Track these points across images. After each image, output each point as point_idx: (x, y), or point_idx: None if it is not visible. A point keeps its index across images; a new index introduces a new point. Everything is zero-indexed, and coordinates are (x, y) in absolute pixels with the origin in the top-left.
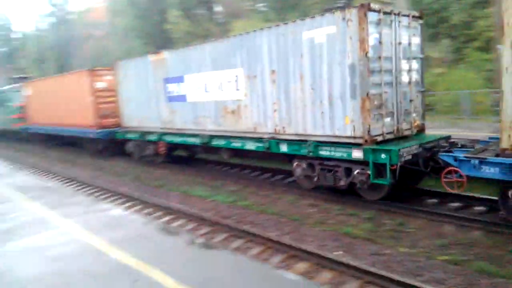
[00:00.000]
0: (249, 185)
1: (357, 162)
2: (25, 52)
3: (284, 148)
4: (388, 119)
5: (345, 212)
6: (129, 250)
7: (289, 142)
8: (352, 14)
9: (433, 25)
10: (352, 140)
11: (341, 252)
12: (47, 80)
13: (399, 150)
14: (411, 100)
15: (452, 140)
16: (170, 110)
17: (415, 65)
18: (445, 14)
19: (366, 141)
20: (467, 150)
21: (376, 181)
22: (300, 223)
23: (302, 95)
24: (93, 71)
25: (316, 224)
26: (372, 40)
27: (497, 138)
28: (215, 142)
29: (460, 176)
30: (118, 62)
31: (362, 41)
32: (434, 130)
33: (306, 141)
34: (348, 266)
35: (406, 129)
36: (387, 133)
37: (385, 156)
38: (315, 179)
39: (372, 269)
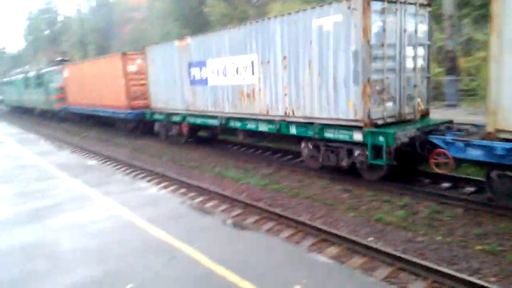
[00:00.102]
0: (281, 169)
1: (357, 143)
2: (67, 35)
3: (293, 130)
4: (390, 104)
5: (378, 198)
6: (166, 228)
7: (298, 124)
8: (357, 3)
9: (481, 6)
10: (353, 123)
11: (372, 238)
12: (83, 63)
13: (395, 133)
14: (415, 86)
15: (449, 125)
16: (193, 93)
17: (421, 51)
18: None
19: (366, 124)
20: (458, 134)
21: (373, 161)
22: (332, 208)
23: (310, 80)
24: (126, 55)
25: (349, 210)
26: (375, 28)
27: None
28: (232, 124)
29: (447, 157)
30: (147, 47)
31: (365, 29)
32: (475, 117)
33: (312, 123)
34: (379, 252)
35: (409, 113)
36: (388, 117)
37: (382, 139)
38: (320, 159)
39: (405, 256)
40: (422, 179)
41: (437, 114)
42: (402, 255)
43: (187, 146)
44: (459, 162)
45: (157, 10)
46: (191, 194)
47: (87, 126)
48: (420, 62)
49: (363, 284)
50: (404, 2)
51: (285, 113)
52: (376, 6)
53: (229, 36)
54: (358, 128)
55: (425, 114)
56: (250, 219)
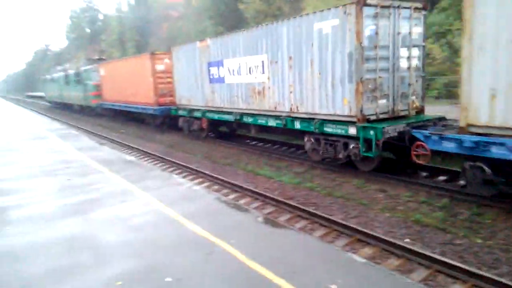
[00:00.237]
0: (314, 168)
1: (352, 137)
2: (107, 33)
3: (297, 125)
4: (383, 101)
5: (415, 199)
6: (202, 223)
7: (301, 119)
8: (351, 9)
9: None
10: (348, 119)
11: (408, 240)
12: (117, 62)
13: (383, 127)
14: (409, 84)
15: (436, 121)
16: (211, 90)
17: (416, 52)
18: None
19: (359, 119)
20: (438, 128)
21: (364, 153)
22: (367, 208)
23: (312, 78)
24: (154, 55)
25: (384, 210)
26: (368, 31)
27: None
28: (245, 119)
29: (426, 149)
30: (173, 47)
31: (358, 33)
32: None
33: (314, 119)
34: (416, 253)
35: (402, 110)
36: (381, 113)
37: (372, 133)
38: (321, 152)
39: (443, 258)
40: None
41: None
42: (441, 258)
43: (220, 144)
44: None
45: (193, 7)
46: (225, 191)
47: (121, 122)
48: (415, 62)
49: (399, 286)
50: (398, 7)
51: (291, 109)
52: (369, 11)
53: (243, 38)
54: (353, 123)
55: (420, 111)
56: (283, 217)
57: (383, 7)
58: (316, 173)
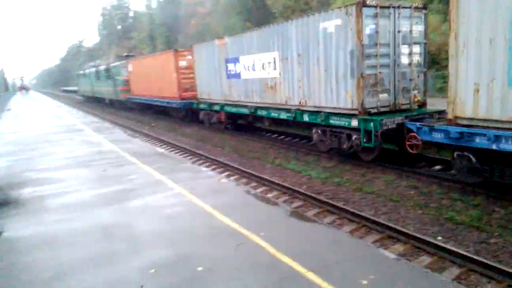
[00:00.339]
0: (343, 163)
1: (354, 129)
2: (138, 29)
3: (306, 117)
4: (384, 95)
5: (449, 196)
6: (232, 216)
7: (309, 112)
8: (352, 9)
9: None
10: (351, 112)
11: (441, 238)
12: (144, 59)
13: (381, 120)
14: (411, 79)
15: (432, 113)
16: (229, 85)
17: (417, 49)
18: None
19: (360, 112)
20: (430, 120)
21: (365, 144)
22: (398, 204)
23: (318, 74)
24: (177, 52)
25: (416, 207)
26: (368, 30)
27: None
28: (259, 112)
29: (418, 140)
30: (194, 45)
31: (358, 32)
32: None
33: (320, 112)
34: (449, 251)
35: (404, 104)
36: (382, 107)
37: (372, 125)
38: (327, 142)
39: (477, 257)
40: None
41: None
42: (474, 256)
43: (248, 138)
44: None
45: (221, 4)
46: (253, 184)
47: (149, 115)
48: (416, 59)
49: (432, 283)
50: (398, 7)
51: (300, 103)
52: (368, 11)
53: (257, 36)
54: (355, 116)
55: (422, 105)
56: (311, 211)
57: (382, 7)
58: (345, 168)
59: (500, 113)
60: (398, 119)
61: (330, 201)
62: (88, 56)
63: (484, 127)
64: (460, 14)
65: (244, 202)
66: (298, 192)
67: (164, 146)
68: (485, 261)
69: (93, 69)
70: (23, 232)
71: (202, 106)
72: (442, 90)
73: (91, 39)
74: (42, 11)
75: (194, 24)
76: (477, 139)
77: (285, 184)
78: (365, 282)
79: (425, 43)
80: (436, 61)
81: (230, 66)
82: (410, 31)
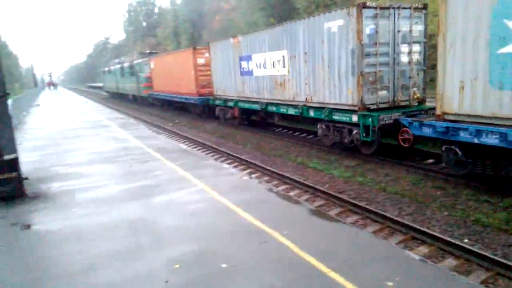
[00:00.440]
0: (367, 162)
1: (355, 124)
2: (162, 26)
3: (311, 113)
4: (383, 92)
5: (476, 198)
6: (255, 213)
7: (315, 108)
8: (353, 10)
9: None
10: (352, 108)
11: (467, 240)
12: (165, 56)
13: (379, 115)
14: (410, 77)
15: (428, 110)
16: (242, 82)
17: (417, 48)
18: None
19: (359, 108)
20: (421, 116)
21: (363, 138)
22: (423, 205)
23: (323, 72)
24: (196, 49)
25: (442, 208)
26: (367, 30)
27: None
28: (269, 108)
29: (409, 134)
30: (211, 43)
31: (358, 32)
32: None
33: (324, 108)
34: (476, 254)
35: (403, 100)
36: (381, 103)
37: (370, 120)
38: (330, 137)
39: (505, 261)
40: None
41: None
42: (502, 260)
43: (270, 135)
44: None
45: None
46: (275, 182)
47: (171, 111)
48: (416, 57)
49: (459, 286)
50: (398, 8)
51: (306, 99)
52: (368, 12)
53: (268, 35)
54: (355, 111)
55: (421, 101)
56: (333, 211)
57: (382, 8)
58: (368, 167)
59: (482, 109)
60: (395, 115)
61: (353, 201)
62: (113, 52)
63: (468, 122)
64: (448, 16)
65: (266, 199)
66: (320, 191)
67: (187, 143)
68: None
69: (118, 66)
70: (52, 225)
71: (217, 102)
72: None
73: (117, 35)
74: (71, 8)
75: (218, 20)
76: (461, 134)
77: (307, 182)
78: (390, 283)
79: (425, 42)
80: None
81: (244, 64)
82: (410, 31)
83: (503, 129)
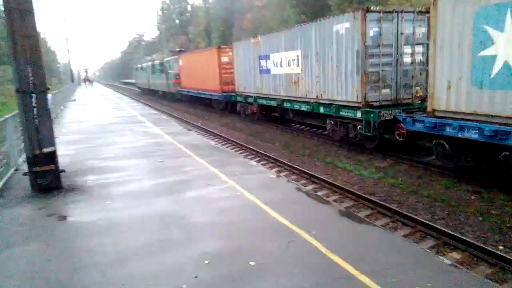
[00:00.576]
0: (398, 163)
1: (359, 120)
2: (195, 24)
3: (321, 109)
4: (386, 90)
5: None
6: (284, 212)
7: (324, 105)
8: (358, 14)
9: None
10: (356, 104)
11: (501, 247)
12: (192, 54)
13: (379, 112)
14: (412, 77)
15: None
16: (261, 79)
17: (420, 49)
18: None
19: (363, 105)
20: (417, 112)
21: (365, 133)
22: (457, 210)
23: (332, 71)
24: (220, 48)
25: (476, 213)
26: (371, 32)
27: None
28: (285, 104)
29: (404, 129)
30: (234, 42)
31: (363, 34)
32: None
33: (332, 104)
34: (511, 262)
35: (405, 99)
36: (384, 101)
37: (371, 116)
38: (337, 132)
39: None
40: None
41: None
42: None
43: (298, 134)
44: None
45: None
46: (303, 181)
47: (198, 107)
48: (419, 58)
49: None
50: (401, 11)
51: (317, 96)
52: (372, 16)
53: (284, 36)
54: (359, 108)
55: (423, 100)
56: (363, 212)
57: (386, 12)
58: (400, 169)
59: (465, 107)
60: (395, 111)
61: (383, 203)
62: (147, 49)
63: (454, 119)
64: (437, 21)
65: (295, 198)
66: (350, 192)
67: (216, 140)
68: None
69: (149, 63)
70: (87, 217)
71: (239, 98)
72: None
73: (151, 33)
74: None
75: (249, 18)
76: (447, 129)
77: (336, 183)
78: None
79: (427, 44)
80: None
81: (262, 62)
82: (413, 33)
83: (480, 124)
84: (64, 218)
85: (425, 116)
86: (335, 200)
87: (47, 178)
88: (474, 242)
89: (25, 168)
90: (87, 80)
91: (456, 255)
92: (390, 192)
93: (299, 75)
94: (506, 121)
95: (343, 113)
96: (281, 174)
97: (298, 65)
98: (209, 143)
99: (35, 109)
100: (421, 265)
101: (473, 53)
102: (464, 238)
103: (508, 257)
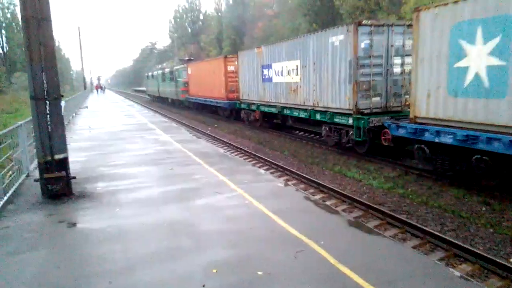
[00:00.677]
0: (407, 173)
1: (351, 126)
2: (206, 32)
3: (318, 116)
4: (377, 99)
5: None
6: (292, 221)
7: (320, 112)
8: (351, 27)
9: None
10: (348, 111)
11: None
12: (200, 63)
13: (368, 118)
14: (402, 86)
15: None
16: (263, 88)
17: (409, 60)
18: None
19: (354, 112)
20: (401, 119)
21: (356, 138)
22: (467, 221)
23: (327, 80)
24: (226, 57)
25: (487, 225)
26: (363, 44)
27: None
28: (285, 111)
29: (389, 135)
30: (240, 52)
31: (355, 46)
32: None
33: (327, 111)
34: None
35: (395, 106)
36: (375, 108)
37: (362, 122)
38: (332, 137)
39: None
40: None
41: None
42: None
43: (307, 143)
44: None
45: (288, 5)
46: (312, 190)
47: (207, 115)
48: (409, 68)
49: None
50: (391, 25)
51: (313, 104)
52: (364, 29)
53: (285, 46)
54: (351, 115)
55: None
56: (372, 223)
57: (377, 26)
58: (409, 179)
59: (443, 114)
60: (384, 118)
61: (393, 213)
62: (159, 58)
63: (432, 125)
64: (419, 36)
65: (303, 208)
66: (359, 202)
67: (225, 148)
68: None
69: (160, 71)
70: (96, 224)
71: (243, 105)
72: None
73: (163, 41)
74: (120, 14)
75: (261, 27)
76: (426, 134)
77: (344, 192)
78: None
79: None
80: None
81: (265, 71)
82: (403, 45)
83: (454, 130)
84: (73, 224)
85: (408, 123)
86: (343, 210)
87: (58, 184)
88: (485, 255)
89: (36, 174)
90: (99, 87)
91: (466, 267)
92: (400, 202)
93: (298, 83)
94: (477, 126)
95: (337, 119)
96: (290, 182)
97: (297, 74)
98: (218, 151)
99: (48, 115)
100: (431, 277)
101: (449, 64)
102: (475, 250)
103: None
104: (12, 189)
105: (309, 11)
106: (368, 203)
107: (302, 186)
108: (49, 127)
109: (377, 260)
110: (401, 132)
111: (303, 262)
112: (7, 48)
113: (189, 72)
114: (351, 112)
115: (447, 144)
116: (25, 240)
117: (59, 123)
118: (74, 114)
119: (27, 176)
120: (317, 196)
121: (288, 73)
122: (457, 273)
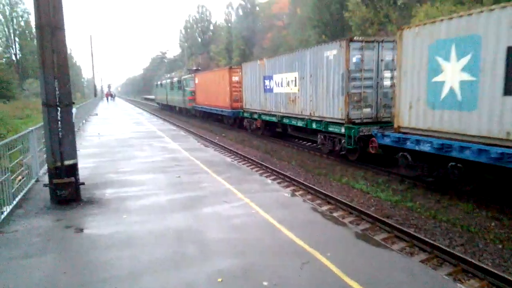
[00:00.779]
0: (416, 186)
1: (343, 135)
2: (216, 42)
3: (314, 125)
4: (367, 110)
5: None
6: (298, 232)
7: (316, 121)
8: (343, 43)
9: None
10: (341, 121)
11: None
12: (207, 73)
13: (359, 128)
14: (392, 98)
15: None
16: (265, 97)
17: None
18: None
19: (346, 122)
20: (387, 129)
21: (347, 146)
22: (476, 236)
23: (322, 91)
24: (231, 68)
25: (496, 240)
26: (354, 59)
27: None
28: (284, 120)
29: (375, 143)
30: (243, 63)
31: (347, 60)
32: None
33: (322, 121)
34: None
35: (385, 117)
36: (366, 118)
37: (352, 131)
38: (327, 145)
39: None
40: None
41: None
42: None
43: (315, 154)
44: None
45: (297, 17)
46: (319, 201)
47: (214, 125)
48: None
49: None
50: (382, 41)
51: (310, 113)
52: (355, 45)
53: (285, 59)
54: (343, 124)
55: None
56: (379, 236)
57: (368, 41)
58: (417, 192)
59: (422, 124)
60: (373, 128)
61: (400, 227)
62: (169, 67)
63: (414, 134)
64: (402, 52)
65: (310, 219)
66: (366, 214)
67: (233, 157)
68: None
69: (168, 80)
70: (103, 230)
71: (245, 114)
72: None
73: (174, 50)
74: (133, 23)
75: (270, 38)
76: (407, 142)
77: (352, 204)
78: None
79: None
80: None
81: (267, 82)
82: (393, 60)
83: (431, 139)
84: (81, 230)
85: (392, 132)
86: (351, 222)
87: (67, 190)
88: (494, 271)
89: (45, 179)
90: (109, 95)
91: (474, 283)
92: (408, 216)
93: (296, 94)
94: (452, 136)
95: (331, 128)
96: (297, 193)
97: (295, 86)
98: (225, 160)
99: (59, 122)
100: None
101: (428, 79)
102: (483, 265)
103: None
104: (21, 194)
105: (319, 22)
106: (376, 216)
107: (309, 196)
108: (60, 133)
109: (384, 274)
110: (386, 140)
111: (309, 273)
112: (20, 55)
113: (196, 81)
114: (343, 121)
115: (426, 152)
116: (33, 244)
117: (70, 129)
118: (84, 121)
119: (37, 181)
120: (324, 207)
121: (288, 84)
122: None
